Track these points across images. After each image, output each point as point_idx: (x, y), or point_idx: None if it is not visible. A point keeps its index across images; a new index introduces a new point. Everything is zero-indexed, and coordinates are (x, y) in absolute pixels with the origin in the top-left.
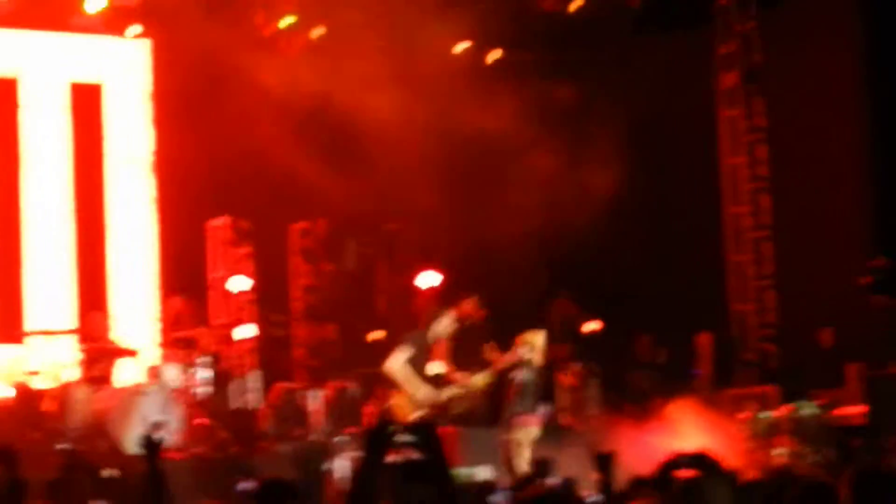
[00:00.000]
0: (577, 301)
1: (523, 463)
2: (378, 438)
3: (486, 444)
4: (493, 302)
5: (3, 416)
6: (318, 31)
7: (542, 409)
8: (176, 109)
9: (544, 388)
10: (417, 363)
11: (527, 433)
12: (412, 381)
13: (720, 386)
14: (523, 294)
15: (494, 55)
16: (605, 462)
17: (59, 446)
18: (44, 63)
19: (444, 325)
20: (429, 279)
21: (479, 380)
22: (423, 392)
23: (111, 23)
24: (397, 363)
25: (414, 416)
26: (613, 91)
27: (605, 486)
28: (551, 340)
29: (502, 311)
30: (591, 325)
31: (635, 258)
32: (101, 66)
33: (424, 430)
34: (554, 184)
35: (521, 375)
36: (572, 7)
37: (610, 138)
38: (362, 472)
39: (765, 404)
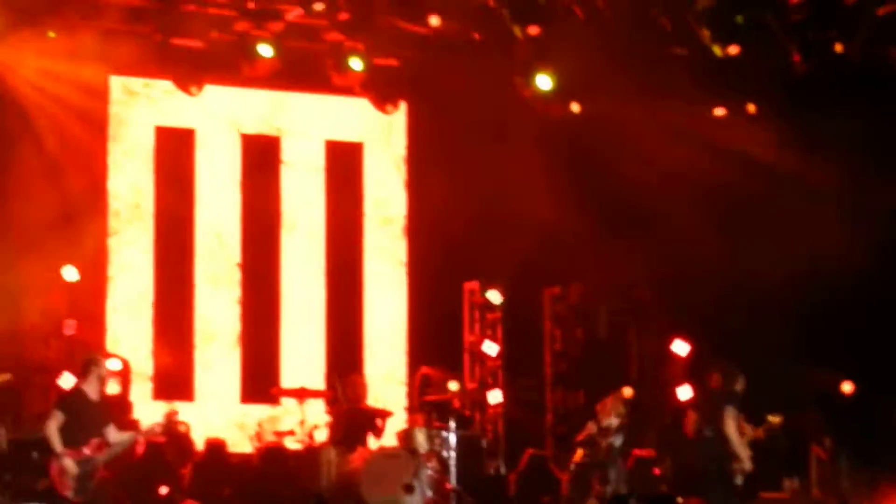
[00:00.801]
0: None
1: None
2: None
3: None
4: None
5: (256, 475)
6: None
7: (788, 483)
8: (431, 172)
9: (794, 459)
10: None
11: None
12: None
13: None
14: (777, 360)
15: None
16: None
17: None
18: (304, 122)
19: None
20: (680, 347)
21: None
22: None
23: (369, 86)
24: None
25: None
26: None
27: None
28: (802, 408)
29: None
30: (846, 387)
31: None
32: (358, 126)
33: (663, 501)
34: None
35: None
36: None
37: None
38: None
39: None
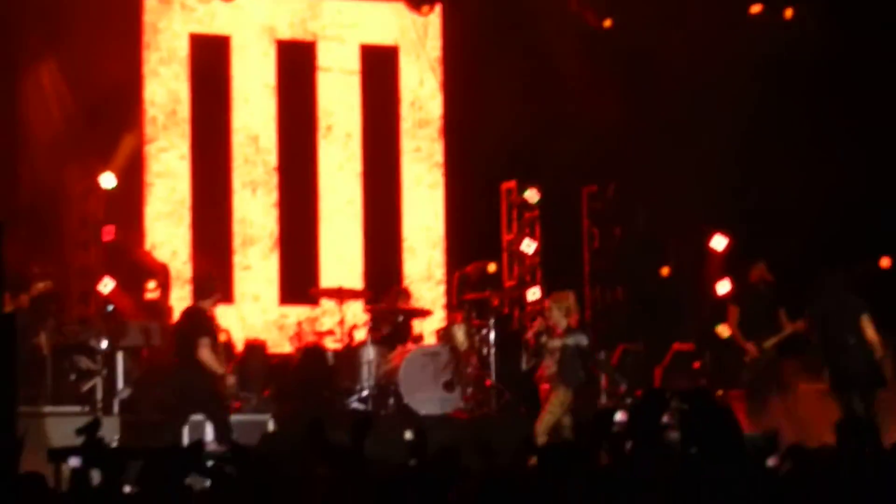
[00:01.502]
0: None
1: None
2: (655, 402)
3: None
4: (786, 266)
5: (296, 375)
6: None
7: None
8: (466, 73)
9: None
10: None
11: None
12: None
13: None
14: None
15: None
16: None
17: (350, 406)
18: (339, 26)
19: None
20: (718, 242)
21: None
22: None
23: None
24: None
25: None
26: None
27: None
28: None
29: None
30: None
31: None
32: (393, 30)
33: (701, 397)
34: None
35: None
36: None
37: None
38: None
39: None
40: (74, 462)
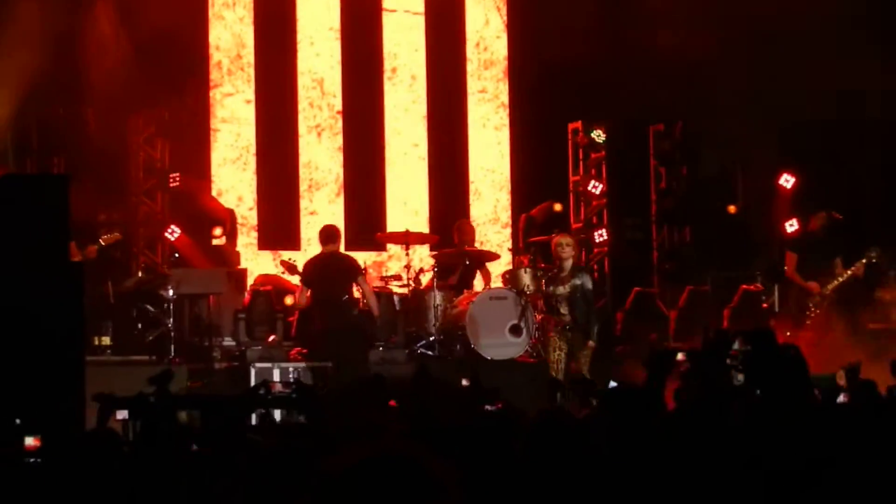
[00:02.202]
0: None
1: None
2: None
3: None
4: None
5: (364, 320)
6: None
7: None
8: (531, 13)
9: None
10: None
11: None
12: None
13: None
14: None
15: None
16: None
17: (417, 350)
18: None
19: None
20: (786, 181)
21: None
22: None
23: None
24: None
25: None
26: None
27: None
28: None
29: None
30: None
31: None
32: None
33: (764, 338)
34: None
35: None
36: None
37: None
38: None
39: None
40: (122, 415)
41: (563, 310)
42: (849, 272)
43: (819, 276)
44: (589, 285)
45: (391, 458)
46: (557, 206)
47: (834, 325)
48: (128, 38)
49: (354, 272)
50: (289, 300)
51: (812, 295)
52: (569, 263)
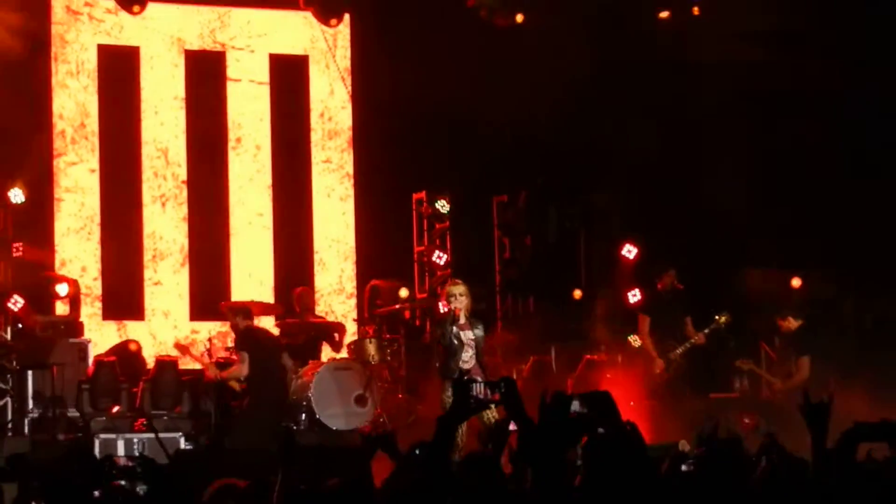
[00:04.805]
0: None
1: None
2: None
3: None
4: (694, 274)
5: (204, 388)
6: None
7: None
8: (376, 84)
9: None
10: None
11: None
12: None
13: None
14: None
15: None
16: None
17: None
18: (248, 37)
19: None
20: (630, 252)
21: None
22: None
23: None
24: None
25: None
26: None
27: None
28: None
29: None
30: (795, 282)
31: None
32: (302, 40)
33: (600, 398)
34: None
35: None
36: None
37: None
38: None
39: None
40: None
41: (465, 356)
42: (693, 339)
43: (669, 338)
44: (482, 336)
45: None
46: (403, 292)
47: (681, 394)
48: None
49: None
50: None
51: (658, 368)
52: (463, 313)
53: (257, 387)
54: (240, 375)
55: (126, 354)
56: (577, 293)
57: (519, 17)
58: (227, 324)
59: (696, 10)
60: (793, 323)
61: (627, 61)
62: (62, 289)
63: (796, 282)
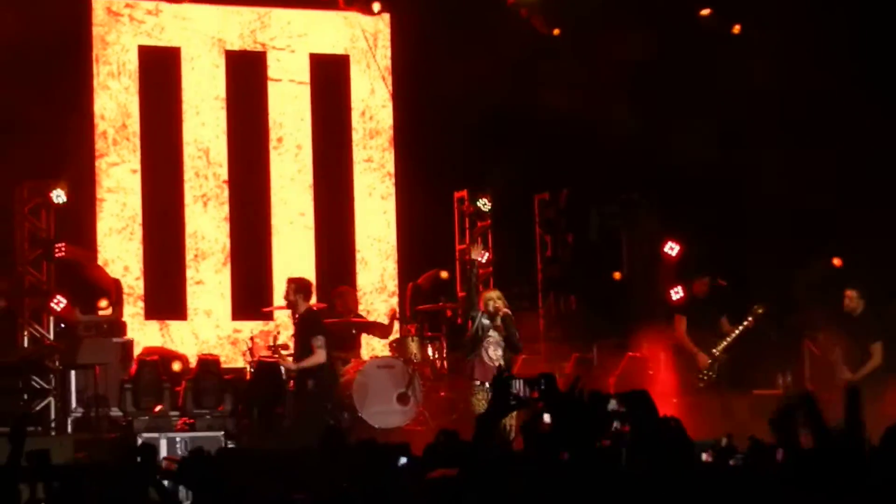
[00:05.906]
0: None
1: None
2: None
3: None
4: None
5: (250, 390)
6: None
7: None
8: (417, 82)
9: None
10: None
11: None
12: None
13: None
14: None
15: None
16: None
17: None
18: (288, 37)
19: None
20: (672, 249)
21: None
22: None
23: None
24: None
25: None
26: None
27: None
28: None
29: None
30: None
31: None
32: (342, 39)
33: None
34: None
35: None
36: None
37: None
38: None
39: None
40: None
41: (494, 354)
42: (738, 329)
43: (707, 339)
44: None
45: None
46: (444, 274)
47: (723, 390)
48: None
49: None
50: (176, 366)
51: (700, 364)
52: (499, 315)
53: (325, 377)
54: (319, 362)
55: (168, 353)
56: (617, 275)
57: (556, 31)
58: (270, 322)
59: (736, 29)
60: (856, 300)
61: (669, 59)
62: (103, 304)
63: (837, 261)
